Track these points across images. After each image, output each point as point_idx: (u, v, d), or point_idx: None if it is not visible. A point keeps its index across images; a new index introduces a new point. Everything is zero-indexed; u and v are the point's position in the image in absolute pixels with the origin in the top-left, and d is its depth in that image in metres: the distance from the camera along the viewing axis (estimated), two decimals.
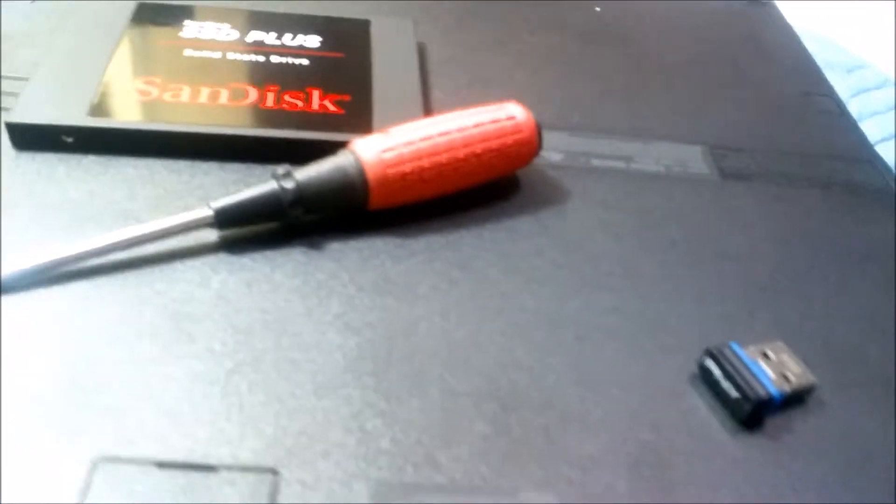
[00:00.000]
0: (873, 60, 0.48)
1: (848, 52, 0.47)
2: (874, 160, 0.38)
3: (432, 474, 0.22)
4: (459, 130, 0.29)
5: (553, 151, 0.35)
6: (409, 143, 0.28)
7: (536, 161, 0.33)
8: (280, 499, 0.21)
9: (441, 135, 0.29)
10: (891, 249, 0.33)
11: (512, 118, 0.30)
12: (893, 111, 0.46)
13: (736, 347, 0.26)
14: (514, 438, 0.24)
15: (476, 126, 0.29)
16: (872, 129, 0.41)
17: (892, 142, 0.41)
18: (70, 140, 0.31)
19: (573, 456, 0.23)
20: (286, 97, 0.33)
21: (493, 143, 0.30)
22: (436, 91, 0.37)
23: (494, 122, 0.30)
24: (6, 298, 0.25)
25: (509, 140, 0.30)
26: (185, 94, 0.32)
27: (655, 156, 0.36)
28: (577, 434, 0.24)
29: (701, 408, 0.25)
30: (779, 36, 0.46)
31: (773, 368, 0.26)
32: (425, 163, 0.28)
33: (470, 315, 0.27)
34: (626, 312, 0.28)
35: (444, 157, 0.29)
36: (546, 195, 0.33)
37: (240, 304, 0.26)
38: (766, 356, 0.26)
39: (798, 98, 0.41)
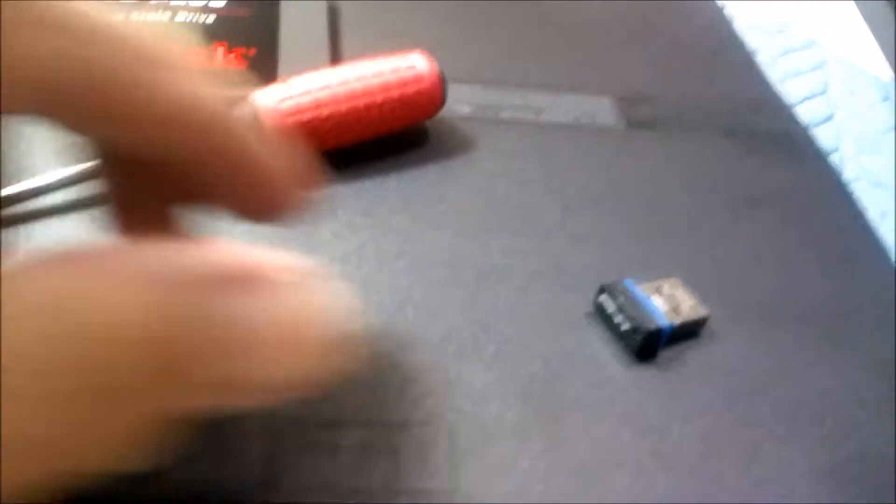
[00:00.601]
0: (799, 21, 0.49)
1: (777, 13, 0.48)
2: (779, 107, 0.39)
3: (321, 408, 0.23)
4: (359, 79, 0.29)
5: (463, 104, 0.35)
6: (307, 93, 0.28)
7: (445, 113, 0.33)
8: None
9: (340, 84, 0.29)
10: (785, 192, 0.34)
11: (412, 68, 0.30)
12: (820, 71, 0.47)
13: (629, 283, 0.27)
14: (406, 375, 0.24)
15: (376, 76, 0.30)
16: (799, 89, 0.42)
17: (815, 100, 0.42)
18: None
19: (465, 390, 0.24)
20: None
21: (394, 93, 0.30)
22: (347, 47, 0.37)
23: (394, 71, 0.30)
24: None
25: (410, 90, 0.30)
26: None
27: (565, 107, 0.36)
28: (469, 369, 0.25)
29: (595, 342, 0.26)
30: None
31: (667, 302, 0.27)
32: (324, 112, 0.29)
33: (370, 258, 0.27)
34: (525, 254, 0.29)
35: (343, 107, 0.29)
36: (453, 145, 0.33)
37: None
38: (659, 291, 0.27)
39: (708, 53, 0.42)
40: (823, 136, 0.38)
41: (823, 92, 0.43)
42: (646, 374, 0.26)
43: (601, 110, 0.36)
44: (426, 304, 0.26)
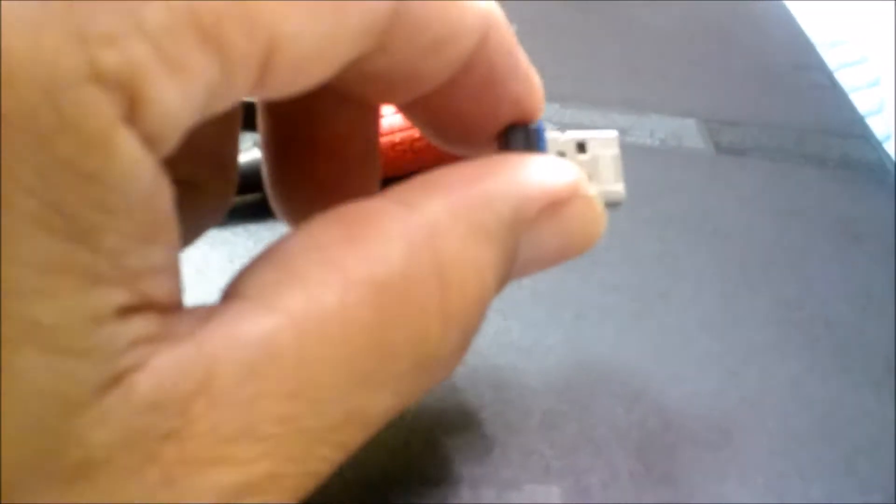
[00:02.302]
0: (851, 37, 0.47)
1: (829, 27, 0.46)
2: (867, 135, 0.37)
3: (430, 465, 0.21)
4: None
5: (545, 123, 0.33)
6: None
7: None
8: None
9: None
10: (885, 224, 0.32)
11: None
12: (875, 87, 0.45)
13: None
14: (512, 426, 0.22)
15: None
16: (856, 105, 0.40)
17: (873, 118, 0.40)
18: None
19: (576, 442, 0.22)
20: None
21: None
22: None
23: None
24: None
25: None
26: None
27: (650, 128, 0.34)
28: (577, 422, 0.23)
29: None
30: (769, 6, 0.46)
31: None
32: (417, 132, 0.27)
33: None
34: (625, 290, 0.27)
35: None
36: None
37: (221, 280, 0.25)
38: None
39: (790, 71, 0.40)
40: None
41: (878, 111, 0.42)
42: None
43: (687, 133, 0.35)
44: (525, 346, 0.25)
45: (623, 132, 0.34)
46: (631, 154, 0.33)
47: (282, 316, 0.11)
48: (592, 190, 0.15)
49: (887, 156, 0.36)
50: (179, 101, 0.09)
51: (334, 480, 0.20)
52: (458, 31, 0.13)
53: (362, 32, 0.11)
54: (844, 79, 0.43)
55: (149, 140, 0.09)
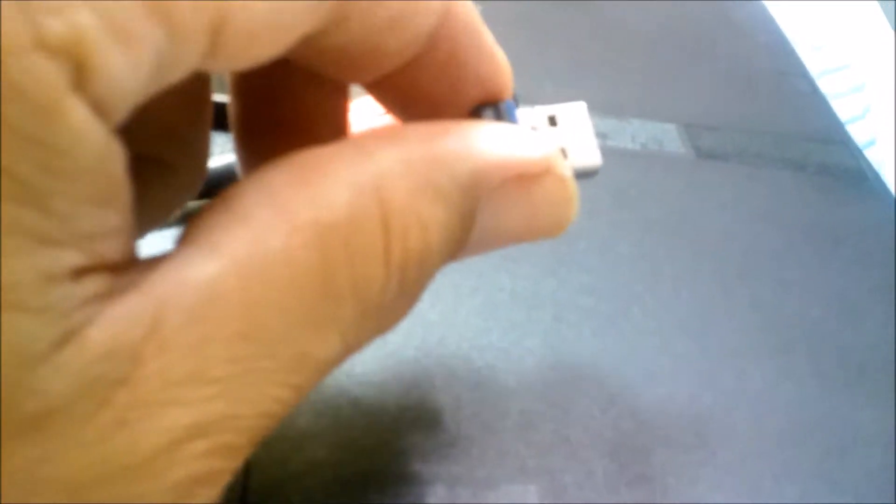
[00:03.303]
0: (835, 42, 0.48)
1: (812, 32, 0.47)
2: (846, 141, 0.38)
3: (408, 464, 0.21)
4: None
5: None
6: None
7: None
8: (250, 484, 0.20)
9: None
10: (863, 231, 0.33)
11: None
12: (858, 93, 0.46)
13: None
14: (489, 426, 0.23)
15: None
16: (840, 113, 0.41)
17: (856, 124, 0.41)
18: None
19: (552, 442, 0.23)
20: None
21: None
22: None
23: None
24: None
25: None
26: None
27: (631, 133, 0.35)
28: (553, 422, 0.23)
29: None
30: (751, 11, 0.46)
31: None
32: None
33: (445, 295, 0.26)
34: (603, 293, 0.27)
35: None
36: None
37: None
38: None
39: (771, 76, 0.41)
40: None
41: (862, 116, 0.42)
42: None
43: (668, 137, 0.35)
44: (504, 347, 0.25)
45: (604, 136, 0.34)
46: (611, 158, 0.33)
47: (225, 259, 0.11)
48: (567, 171, 0.15)
49: (867, 162, 0.37)
50: (127, 70, 0.09)
51: (311, 478, 0.20)
52: (415, 8, 0.13)
53: (312, 6, 0.12)
54: (828, 84, 0.43)
55: (98, 107, 0.09)
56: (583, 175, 0.18)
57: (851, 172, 0.35)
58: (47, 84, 0.09)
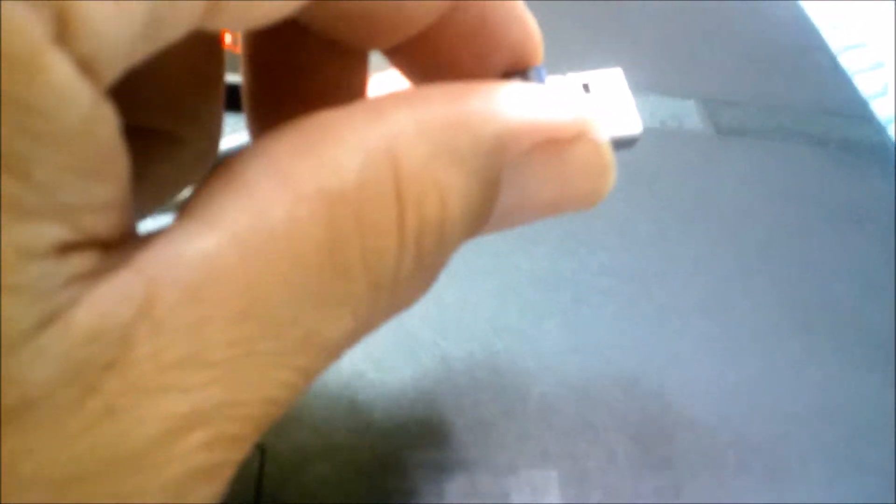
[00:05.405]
0: (853, 20, 0.47)
1: (831, 9, 0.46)
2: (869, 117, 0.37)
3: (426, 449, 0.21)
4: None
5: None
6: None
7: None
8: (266, 470, 0.20)
9: None
10: (885, 207, 0.32)
11: None
12: (878, 70, 0.45)
13: None
14: (509, 410, 0.22)
15: None
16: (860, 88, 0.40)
17: (879, 100, 0.40)
18: None
19: (574, 427, 0.22)
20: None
21: None
22: None
23: None
24: None
25: None
26: None
27: (650, 110, 0.34)
28: (574, 406, 0.23)
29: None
30: None
31: None
32: None
33: (462, 277, 0.26)
34: (623, 273, 0.27)
35: None
36: None
37: None
38: None
39: (791, 52, 0.40)
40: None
41: (884, 93, 0.41)
42: None
43: (687, 114, 0.34)
44: (522, 329, 0.24)
45: None
46: None
47: (224, 233, 0.10)
48: (603, 135, 0.14)
49: (889, 138, 0.36)
50: (116, 22, 0.08)
51: (327, 463, 0.20)
52: None
53: None
54: (848, 61, 0.42)
55: (84, 63, 0.08)
56: (621, 145, 0.16)
57: (874, 148, 0.35)
58: (26, 34, 0.08)
